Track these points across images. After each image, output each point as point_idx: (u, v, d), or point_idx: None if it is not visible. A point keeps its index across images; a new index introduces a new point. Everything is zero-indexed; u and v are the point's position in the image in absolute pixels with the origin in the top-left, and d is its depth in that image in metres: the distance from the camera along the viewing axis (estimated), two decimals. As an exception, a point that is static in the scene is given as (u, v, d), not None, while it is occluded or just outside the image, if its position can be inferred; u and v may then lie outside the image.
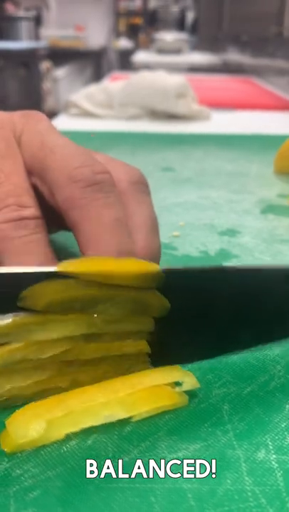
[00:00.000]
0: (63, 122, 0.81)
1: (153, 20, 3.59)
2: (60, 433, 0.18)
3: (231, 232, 0.36)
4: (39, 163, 0.22)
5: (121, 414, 0.18)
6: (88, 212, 0.20)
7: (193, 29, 3.20)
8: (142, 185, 0.23)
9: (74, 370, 0.19)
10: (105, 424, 0.18)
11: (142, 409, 0.18)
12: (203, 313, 0.21)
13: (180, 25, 3.31)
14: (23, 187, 0.21)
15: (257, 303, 0.22)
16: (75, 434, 0.18)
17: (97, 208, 0.20)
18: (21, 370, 0.18)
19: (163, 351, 0.21)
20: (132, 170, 0.24)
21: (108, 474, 0.16)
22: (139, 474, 0.16)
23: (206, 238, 0.35)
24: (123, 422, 0.18)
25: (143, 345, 0.20)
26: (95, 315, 0.19)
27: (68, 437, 0.18)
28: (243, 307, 0.21)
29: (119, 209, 0.21)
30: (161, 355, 0.21)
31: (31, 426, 0.17)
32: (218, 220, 0.39)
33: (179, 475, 0.16)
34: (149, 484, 0.16)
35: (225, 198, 0.44)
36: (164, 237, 0.35)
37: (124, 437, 0.18)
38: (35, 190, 0.22)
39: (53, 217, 0.22)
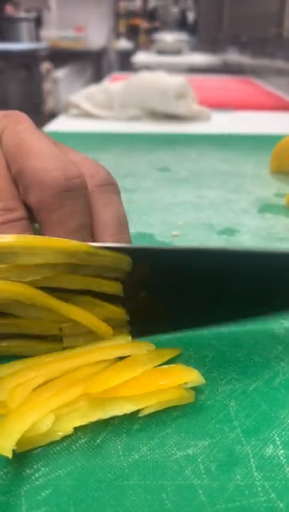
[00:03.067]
0: (63, 123, 0.81)
1: (153, 20, 3.60)
2: (68, 427, 0.18)
3: (230, 231, 0.37)
4: (15, 164, 0.22)
5: (128, 407, 0.18)
6: (55, 218, 0.21)
7: (194, 30, 3.20)
8: (109, 187, 0.24)
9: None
10: (113, 422, 0.18)
11: (148, 403, 0.19)
12: (182, 288, 0.22)
13: (182, 25, 3.32)
14: (8, 190, 0.22)
15: (232, 282, 0.22)
16: (84, 433, 0.18)
17: (64, 215, 0.21)
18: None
19: (142, 320, 0.22)
20: (100, 172, 0.24)
21: (119, 472, 0.17)
22: (149, 471, 0.17)
23: (205, 237, 0.36)
24: (131, 420, 0.19)
25: (118, 288, 0.21)
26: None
27: (77, 436, 0.18)
28: (221, 285, 0.22)
29: (86, 215, 0.22)
30: (140, 325, 0.22)
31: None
32: (217, 220, 0.39)
33: (189, 471, 0.17)
34: (160, 481, 0.16)
35: (222, 197, 0.44)
36: (164, 237, 0.36)
37: (132, 435, 0.18)
38: None
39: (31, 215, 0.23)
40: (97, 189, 0.23)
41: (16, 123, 0.23)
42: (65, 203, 0.21)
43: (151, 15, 3.71)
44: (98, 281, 0.21)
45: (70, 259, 0.19)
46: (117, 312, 0.22)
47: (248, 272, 0.22)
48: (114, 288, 0.21)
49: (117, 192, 0.24)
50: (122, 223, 0.23)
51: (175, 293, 0.22)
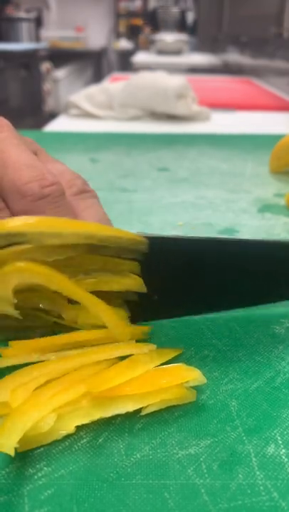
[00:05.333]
0: (63, 123, 0.81)
1: (153, 20, 3.59)
2: (70, 426, 0.18)
3: (230, 231, 0.37)
4: None
5: (130, 406, 0.18)
6: None
7: (194, 30, 3.20)
8: (87, 194, 0.25)
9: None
10: (115, 422, 0.18)
11: (150, 401, 0.19)
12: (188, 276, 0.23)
13: (182, 25, 3.31)
14: None
15: (237, 270, 0.23)
16: (86, 433, 0.18)
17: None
18: None
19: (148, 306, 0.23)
20: (77, 182, 0.25)
21: (121, 471, 0.17)
22: (151, 471, 0.17)
23: (205, 237, 0.36)
24: (133, 420, 0.19)
25: (135, 267, 0.22)
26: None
27: (79, 436, 0.18)
28: (224, 272, 0.23)
29: (69, 215, 0.23)
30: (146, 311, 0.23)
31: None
32: (216, 219, 0.39)
33: (191, 470, 0.17)
34: (162, 480, 0.16)
35: (222, 197, 0.45)
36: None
37: (135, 434, 0.18)
38: None
39: None
40: (76, 197, 0.24)
41: None
42: (45, 209, 0.22)
43: (152, 16, 3.70)
44: (117, 260, 0.21)
45: (90, 240, 0.20)
46: (138, 283, 0.22)
47: (257, 262, 0.23)
48: (132, 267, 0.22)
49: (96, 197, 0.26)
50: (105, 222, 0.24)
51: (184, 279, 0.23)
